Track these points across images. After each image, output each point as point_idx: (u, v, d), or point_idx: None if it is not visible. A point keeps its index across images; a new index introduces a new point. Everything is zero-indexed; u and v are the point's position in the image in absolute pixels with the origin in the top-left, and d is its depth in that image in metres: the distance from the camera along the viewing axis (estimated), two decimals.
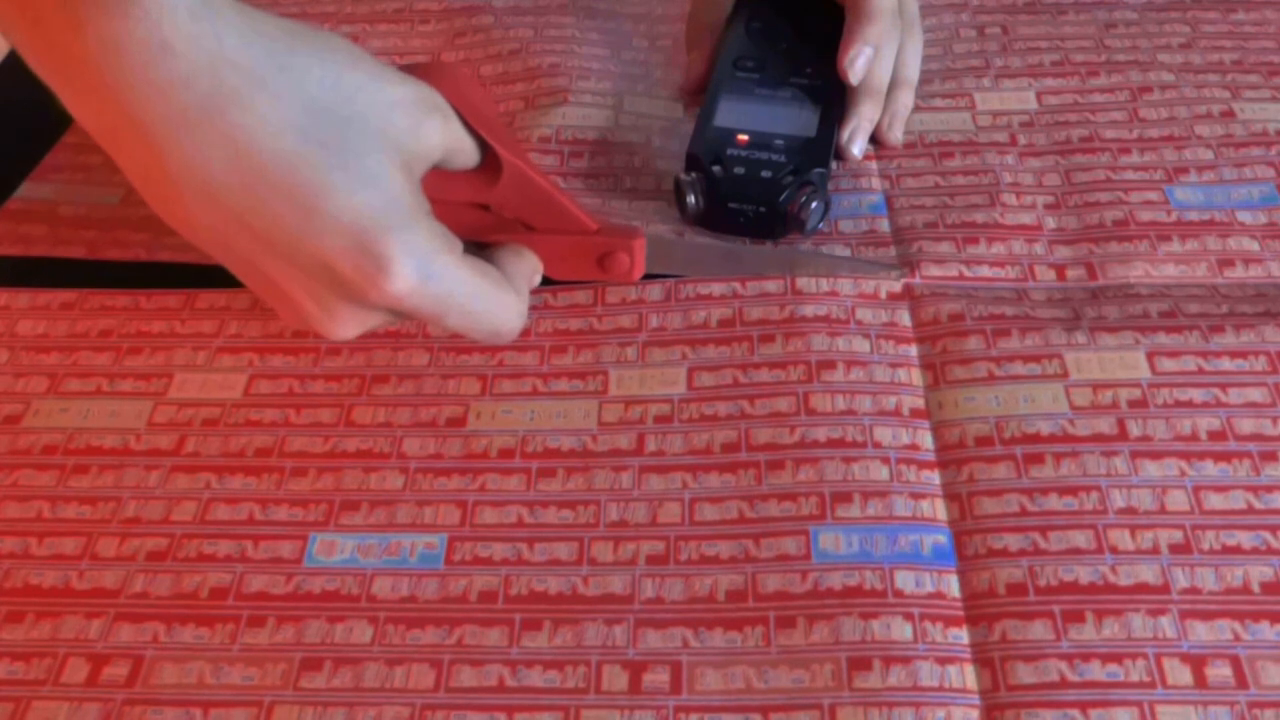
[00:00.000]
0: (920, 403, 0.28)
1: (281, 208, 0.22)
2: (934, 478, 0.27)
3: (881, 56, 0.34)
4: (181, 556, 0.26)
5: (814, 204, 0.32)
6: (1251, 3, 0.40)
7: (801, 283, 0.31)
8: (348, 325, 0.25)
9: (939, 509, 0.26)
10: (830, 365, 0.29)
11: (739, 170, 0.32)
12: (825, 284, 0.31)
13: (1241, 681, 0.23)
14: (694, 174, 0.32)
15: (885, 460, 0.27)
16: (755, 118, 0.33)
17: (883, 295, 0.31)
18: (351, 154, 0.22)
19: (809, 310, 0.30)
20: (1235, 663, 0.23)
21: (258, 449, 0.28)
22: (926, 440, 0.28)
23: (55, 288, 0.33)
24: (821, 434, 0.28)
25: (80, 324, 0.31)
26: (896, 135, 0.35)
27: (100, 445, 0.28)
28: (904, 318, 0.30)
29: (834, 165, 0.34)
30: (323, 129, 0.21)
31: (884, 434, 0.28)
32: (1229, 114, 0.36)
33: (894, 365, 0.29)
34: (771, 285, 0.31)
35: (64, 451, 0.28)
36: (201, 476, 0.28)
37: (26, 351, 0.31)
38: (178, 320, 0.31)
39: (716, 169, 0.32)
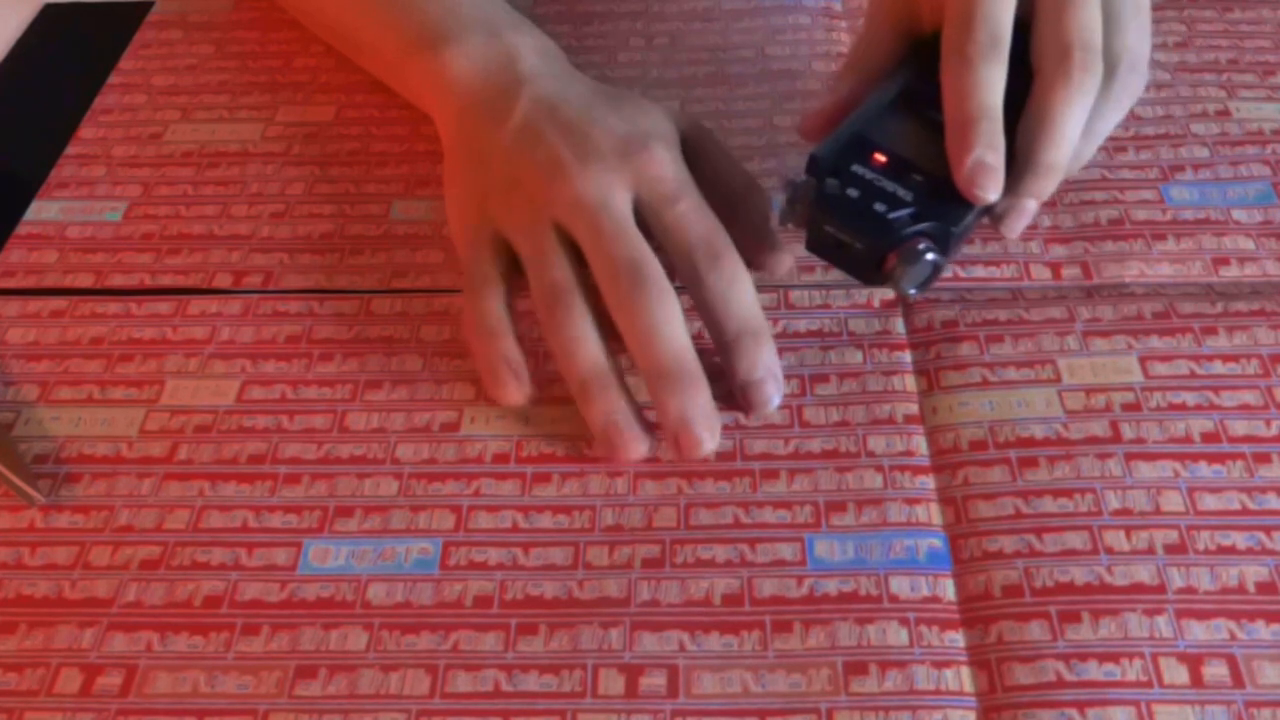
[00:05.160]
0: (914, 409, 0.28)
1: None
2: (929, 482, 0.27)
3: (1073, 123, 0.26)
4: (175, 565, 0.26)
5: (913, 264, 0.25)
6: (1247, 2, 0.40)
7: (795, 296, 0.31)
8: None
9: (934, 513, 0.26)
10: (824, 379, 0.29)
11: (853, 192, 0.26)
12: (818, 296, 0.31)
13: (1238, 680, 0.23)
14: (806, 178, 0.27)
15: (879, 468, 0.27)
16: (907, 140, 0.27)
17: (876, 304, 0.31)
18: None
19: (801, 325, 0.30)
20: (1232, 662, 0.23)
21: (250, 456, 0.28)
22: (921, 446, 0.28)
23: (46, 295, 0.32)
24: (815, 445, 0.28)
25: (71, 331, 0.31)
26: (1010, 229, 0.27)
27: (92, 453, 0.28)
28: (898, 325, 0.30)
29: (972, 227, 0.27)
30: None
31: (878, 443, 0.27)
32: (1224, 113, 0.36)
33: (887, 373, 0.29)
34: (764, 298, 0.31)
35: (55, 460, 0.28)
36: (194, 484, 0.27)
37: (17, 359, 0.31)
38: (169, 327, 0.31)
39: (831, 183, 0.26)
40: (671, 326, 0.26)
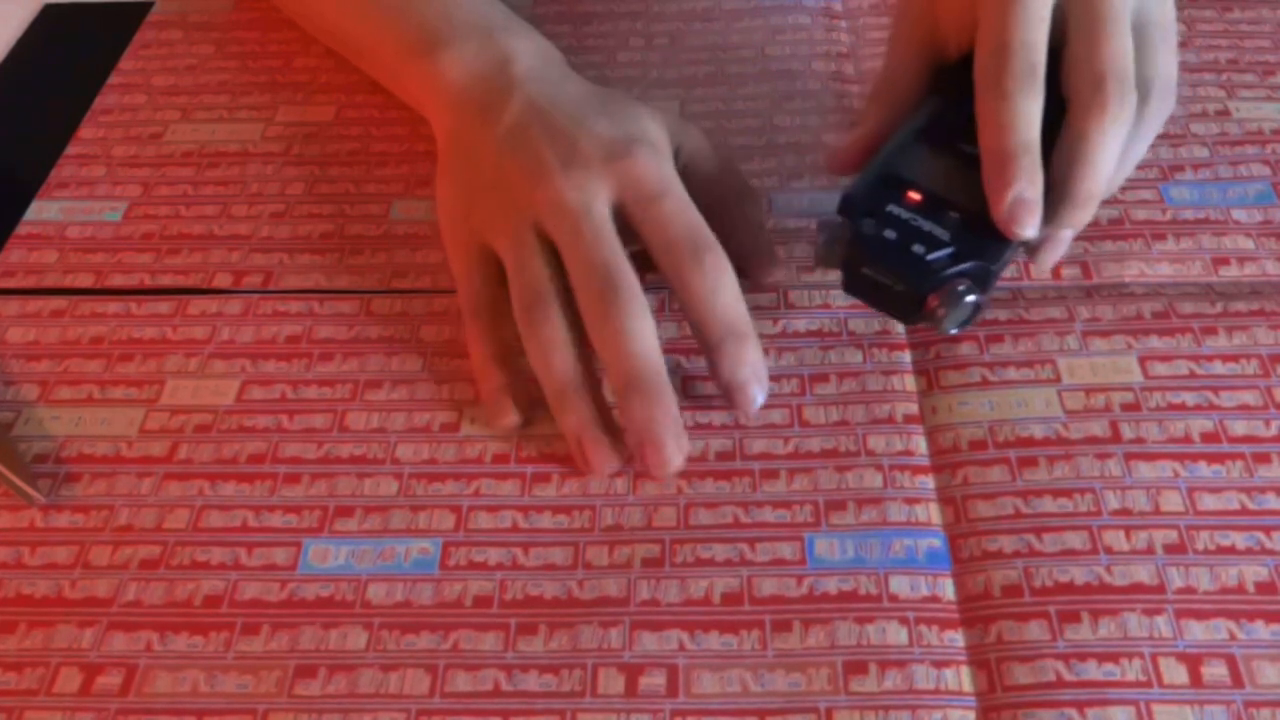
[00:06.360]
0: (914, 408, 0.28)
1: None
2: (928, 482, 0.27)
3: (1110, 154, 0.25)
4: (174, 564, 0.26)
5: (954, 306, 0.25)
6: (1247, 2, 0.40)
7: (794, 295, 0.31)
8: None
9: (933, 513, 0.26)
10: (823, 378, 0.29)
11: (890, 234, 0.26)
12: (818, 295, 0.31)
13: (1237, 680, 0.23)
14: (841, 220, 0.27)
15: (879, 468, 0.27)
16: (939, 175, 0.27)
17: None
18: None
19: (801, 325, 0.30)
20: (1231, 662, 0.23)
21: (250, 455, 0.28)
22: (920, 445, 0.28)
23: (46, 295, 0.32)
24: (815, 444, 0.28)
25: (71, 331, 0.31)
26: (1045, 262, 0.28)
27: (92, 453, 0.28)
28: (897, 325, 0.30)
29: (1010, 262, 0.27)
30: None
31: (877, 442, 0.28)
32: (1224, 113, 0.36)
33: (887, 373, 0.29)
34: (764, 298, 0.31)
35: (55, 460, 0.28)
36: (194, 484, 0.27)
37: (17, 359, 0.31)
38: (169, 327, 0.31)
39: (867, 223, 0.26)
40: (641, 335, 0.26)
